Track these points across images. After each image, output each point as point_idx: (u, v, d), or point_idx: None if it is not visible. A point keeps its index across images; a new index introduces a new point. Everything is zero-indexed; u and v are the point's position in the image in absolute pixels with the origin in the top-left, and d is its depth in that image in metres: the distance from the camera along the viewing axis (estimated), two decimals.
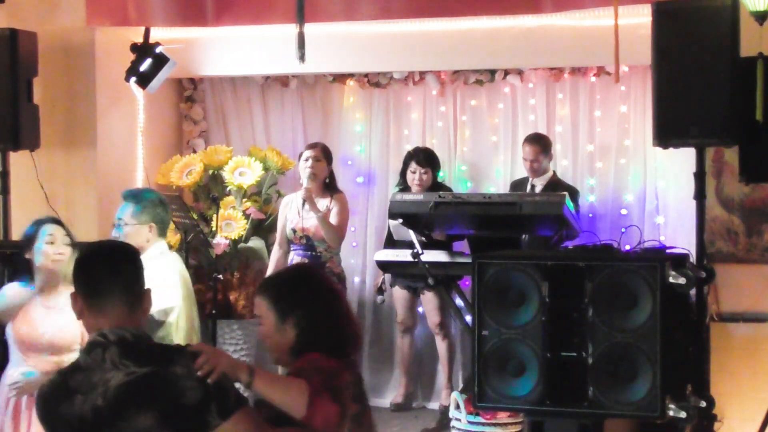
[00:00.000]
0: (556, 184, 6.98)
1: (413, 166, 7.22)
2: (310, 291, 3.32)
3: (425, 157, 7.24)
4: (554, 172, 7.14)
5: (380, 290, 7.05)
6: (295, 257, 6.80)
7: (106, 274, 2.95)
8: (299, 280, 3.38)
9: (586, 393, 4.51)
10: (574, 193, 6.86)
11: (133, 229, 4.69)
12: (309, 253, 6.75)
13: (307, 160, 6.82)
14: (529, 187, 7.06)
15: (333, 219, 6.73)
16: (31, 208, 6.88)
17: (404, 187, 7.28)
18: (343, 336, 3.34)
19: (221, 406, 2.85)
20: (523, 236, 6.64)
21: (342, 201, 6.84)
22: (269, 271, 6.87)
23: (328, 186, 6.87)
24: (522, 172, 7.43)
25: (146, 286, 3.02)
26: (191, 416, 2.83)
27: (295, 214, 6.80)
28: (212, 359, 2.88)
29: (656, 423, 4.56)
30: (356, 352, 3.45)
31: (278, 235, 6.95)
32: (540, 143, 7.06)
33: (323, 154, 6.85)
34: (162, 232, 4.76)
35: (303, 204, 6.71)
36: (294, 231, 6.79)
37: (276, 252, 6.96)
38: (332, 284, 3.50)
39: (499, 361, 4.64)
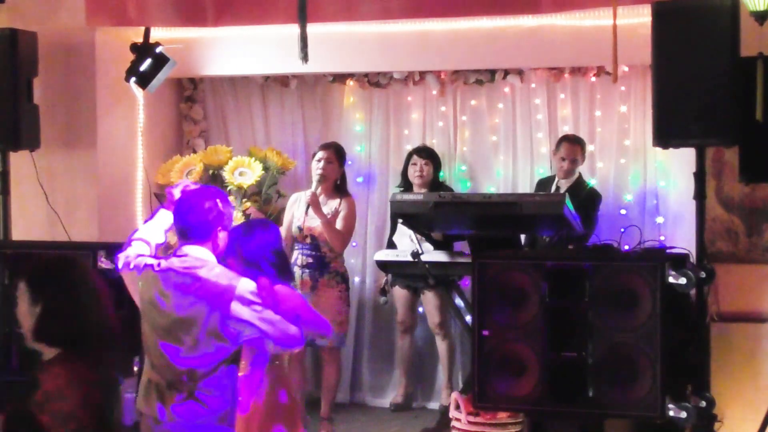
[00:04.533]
0: (580, 187, 6.90)
1: (414, 158, 7.25)
2: (59, 282, 3.42)
3: (426, 151, 7.30)
4: (580, 174, 7.09)
5: (383, 291, 7.05)
6: (299, 256, 6.78)
7: None
8: (54, 270, 3.48)
9: (586, 393, 4.52)
10: (596, 197, 6.86)
11: None
12: (314, 253, 6.74)
13: (319, 161, 6.80)
14: (554, 188, 7.01)
15: (339, 223, 6.72)
16: (31, 208, 6.89)
17: (406, 187, 7.28)
18: (83, 333, 3.41)
19: None
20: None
21: (350, 205, 6.82)
22: None
23: (339, 188, 6.86)
24: (524, 171, 7.44)
25: None
26: None
27: (302, 212, 6.79)
28: None
29: (656, 423, 4.57)
30: (102, 351, 3.46)
31: (283, 230, 6.92)
32: (580, 143, 7.03)
33: (336, 156, 6.84)
34: (180, 236, 4.31)
35: (307, 207, 6.70)
36: (300, 229, 6.78)
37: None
38: (94, 280, 3.54)
39: (499, 361, 4.65)
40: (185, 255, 4.20)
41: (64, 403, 3.25)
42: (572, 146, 6.99)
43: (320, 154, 6.82)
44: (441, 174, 7.40)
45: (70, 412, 3.25)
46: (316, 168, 6.79)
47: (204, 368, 4.12)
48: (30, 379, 3.35)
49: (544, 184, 7.14)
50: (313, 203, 6.61)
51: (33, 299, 3.39)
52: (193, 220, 4.23)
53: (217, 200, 4.29)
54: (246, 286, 4.12)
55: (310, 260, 6.73)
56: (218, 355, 4.12)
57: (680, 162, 6.24)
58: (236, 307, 4.06)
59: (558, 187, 7.00)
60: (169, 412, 4.12)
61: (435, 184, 7.19)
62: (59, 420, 3.25)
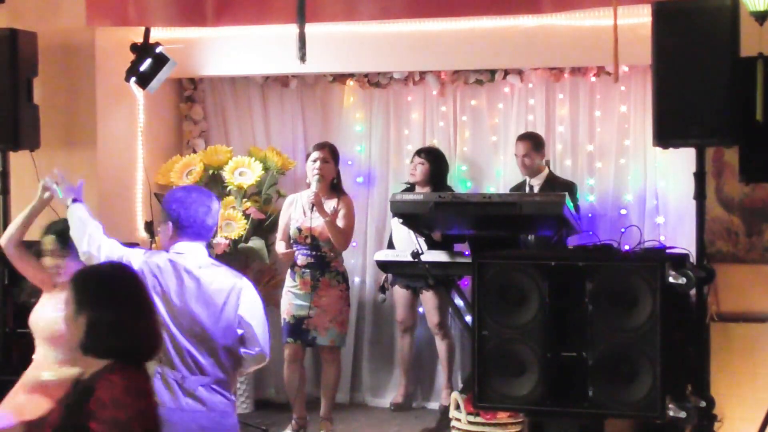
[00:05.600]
0: (553, 182, 7.00)
1: (413, 158, 7.26)
2: (111, 292, 3.28)
3: (425, 151, 7.30)
4: (550, 170, 7.15)
5: (383, 289, 7.06)
6: (299, 256, 6.78)
7: None
8: (106, 279, 3.34)
9: (586, 393, 4.51)
10: (571, 188, 6.90)
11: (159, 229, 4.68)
12: (314, 253, 6.73)
13: (315, 161, 6.78)
14: (527, 188, 7.07)
15: (340, 222, 6.71)
16: None
17: (411, 187, 7.28)
18: (134, 344, 3.29)
19: None
20: (530, 237, 6.66)
21: (349, 204, 6.82)
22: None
23: (335, 187, 6.85)
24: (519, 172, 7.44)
25: None
26: None
27: (300, 213, 6.78)
28: None
29: (656, 423, 4.57)
30: (147, 359, 3.37)
31: (280, 232, 6.91)
32: (530, 139, 7.10)
33: (331, 155, 6.83)
34: (182, 233, 4.44)
35: (312, 208, 6.68)
36: (299, 230, 6.76)
37: (282, 245, 6.86)
38: (142, 290, 3.39)
39: (499, 361, 4.64)
40: (184, 252, 4.45)
41: (118, 412, 3.16)
42: (521, 142, 7.10)
43: (316, 154, 6.81)
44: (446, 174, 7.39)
45: (125, 421, 3.15)
46: (313, 168, 6.78)
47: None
48: (80, 386, 3.26)
49: (518, 187, 7.19)
50: (318, 203, 6.60)
51: (78, 309, 3.24)
52: (212, 223, 4.52)
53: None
54: (249, 284, 4.47)
55: (311, 260, 6.73)
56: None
57: (680, 162, 6.25)
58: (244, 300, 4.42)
59: (531, 186, 7.05)
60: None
61: (437, 184, 7.17)
62: (110, 428, 3.15)
